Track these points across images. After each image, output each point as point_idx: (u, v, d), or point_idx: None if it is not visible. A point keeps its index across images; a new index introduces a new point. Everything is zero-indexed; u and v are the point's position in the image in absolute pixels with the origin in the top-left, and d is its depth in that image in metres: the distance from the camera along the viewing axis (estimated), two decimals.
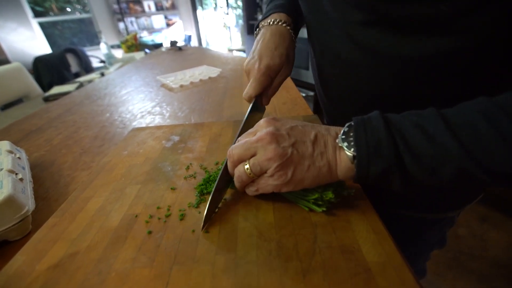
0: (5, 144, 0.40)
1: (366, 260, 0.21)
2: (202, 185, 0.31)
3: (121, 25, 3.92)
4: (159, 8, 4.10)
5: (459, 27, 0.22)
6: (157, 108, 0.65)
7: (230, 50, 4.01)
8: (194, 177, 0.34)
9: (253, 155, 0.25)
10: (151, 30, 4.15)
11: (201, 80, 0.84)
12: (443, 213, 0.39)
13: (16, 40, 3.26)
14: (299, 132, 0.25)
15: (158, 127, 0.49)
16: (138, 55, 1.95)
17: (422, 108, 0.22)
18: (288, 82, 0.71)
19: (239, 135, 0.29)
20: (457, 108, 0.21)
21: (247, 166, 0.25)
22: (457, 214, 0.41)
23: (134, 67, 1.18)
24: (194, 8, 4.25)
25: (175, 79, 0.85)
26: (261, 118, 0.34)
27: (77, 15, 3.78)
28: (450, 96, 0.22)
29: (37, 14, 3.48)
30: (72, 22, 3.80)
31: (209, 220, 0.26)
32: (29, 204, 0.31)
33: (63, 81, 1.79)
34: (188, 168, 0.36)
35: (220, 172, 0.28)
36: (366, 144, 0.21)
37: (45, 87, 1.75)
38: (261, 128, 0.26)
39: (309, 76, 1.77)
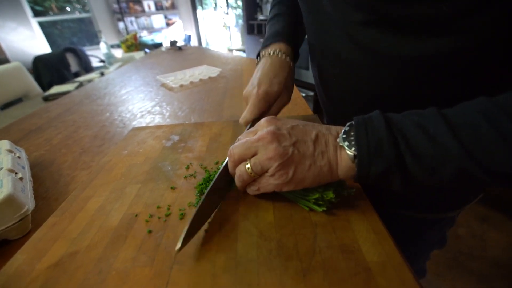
0: (5, 143, 0.40)
1: (366, 259, 0.21)
2: (202, 184, 0.31)
3: (121, 24, 3.92)
4: (159, 7, 4.10)
5: (459, 27, 0.22)
6: (157, 108, 0.65)
7: (230, 50, 4.01)
8: (194, 177, 0.34)
9: (254, 155, 0.25)
10: (151, 29, 4.15)
11: (201, 80, 0.84)
12: (443, 213, 0.39)
13: (16, 39, 3.26)
14: (300, 131, 0.25)
15: (158, 127, 0.49)
16: (138, 54, 1.95)
17: (422, 108, 0.22)
18: None
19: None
20: (457, 108, 0.21)
21: (248, 166, 0.25)
22: (457, 214, 0.41)
23: (134, 67, 1.18)
24: (194, 8, 4.25)
25: (175, 78, 0.85)
26: None
27: (77, 15, 3.78)
28: (450, 96, 0.22)
29: (36, 14, 3.48)
30: (71, 21, 3.80)
31: (189, 240, 0.23)
32: (29, 203, 0.31)
33: (62, 80, 1.79)
34: (188, 167, 0.36)
35: (218, 172, 0.28)
36: (367, 143, 0.21)
37: (45, 86, 1.75)
38: (262, 127, 0.26)
39: (309, 76, 1.78)
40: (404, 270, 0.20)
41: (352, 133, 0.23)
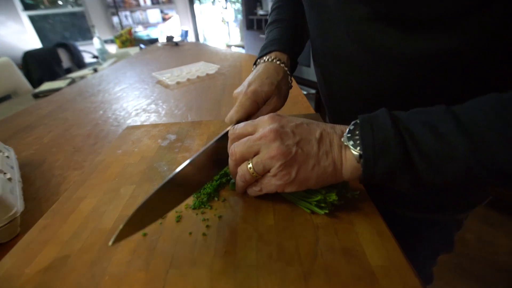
0: None
1: (369, 263, 0.21)
2: None
3: (115, 19, 3.92)
4: (155, 1, 4.10)
5: (465, 25, 0.22)
6: (153, 106, 0.65)
7: (229, 46, 4.02)
8: None
9: (256, 153, 0.25)
10: (146, 24, 4.14)
11: (198, 77, 0.84)
12: (450, 215, 0.39)
13: (5, 34, 3.25)
14: (304, 130, 0.25)
15: (153, 125, 0.49)
16: (133, 50, 1.95)
17: (426, 107, 0.22)
18: None
19: (202, 156, 0.27)
20: (467, 105, 0.21)
21: (250, 165, 0.25)
22: (465, 217, 0.41)
23: (129, 63, 1.18)
24: (191, 2, 4.25)
25: (171, 75, 0.85)
26: None
27: (69, 8, 3.78)
28: (455, 95, 0.22)
29: (27, 7, 3.47)
30: (63, 15, 3.79)
31: (126, 236, 0.20)
32: (18, 205, 0.31)
33: (54, 77, 1.78)
34: None
35: (167, 178, 0.24)
36: (373, 142, 0.21)
37: (35, 83, 1.75)
38: (264, 124, 0.26)
39: (310, 73, 1.78)
40: (409, 274, 0.20)
41: (357, 132, 0.23)
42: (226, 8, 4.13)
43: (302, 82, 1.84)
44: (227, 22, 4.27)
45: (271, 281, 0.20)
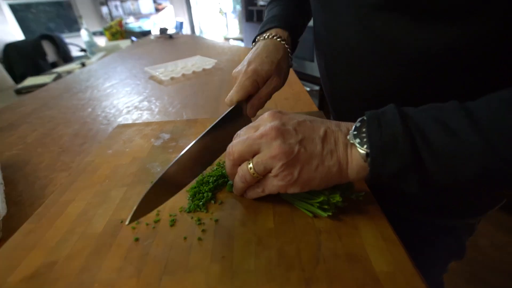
0: None
1: (374, 269, 0.21)
2: (195, 187, 0.31)
3: (104, 9, 3.91)
4: None
5: (481, 14, 0.22)
6: (145, 103, 0.65)
7: (227, 39, 4.02)
8: None
9: (256, 153, 0.25)
10: (138, 15, 4.14)
11: (194, 72, 0.84)
12: (461, 219, 0.40)
13: None
14: (307, 127, 0.25)
15: (146, 124, 0.50)
16: (124, 43, 1.95)
17: (437, 102, 0.22)
18: (291, 75, 0.72)
19: (205, 138, 0.29)
20: (481, 101, 0.21)
21: (250, 165, 0.25)
22: (477, 221, 0.41)
23: (119, 57, 1.18)
24: None
25: (165, 70, 0.85)
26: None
27: None
28: (468, 91, 0.23)
29: None
30: (48, 5, 3.78)
31: (141, 216, 0.25)
32: (0, 209, 0.32)
33: (38, 71, 1.78)
34: None
35: (176, 159, 0.27)
36: (380, 140, 0.21)
37: (18, 78, 1.75)
38: (265, 121, 0.26)
39: (314, 68, 1.78)
40: (416, 281, 0.21)
41: (364, 129, 0.23)
42: None
43: (305, 78, 1.84)
44: (225, 13, 4.27)
45: None
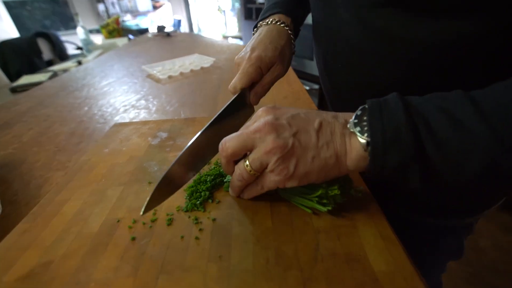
0: None
1: (373, 269, 0.22)
2: (193, 186, 0.32)
3: (101, 6, 3.90)
4: None
5: (483, 8, 0.22)
6: (143, 102, 0.65)
7: (225, 37, 4.02)
8: None
9: (250, 148, 0.25)
10: (135, 13, 4.13)
11: (192, 71, 0.84)
12: (460, 219, 0.40)
13: None
14: (301, 120, 0.25)
15: (143, 123, 0.50)
16: (121, 41, 1.95)
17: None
18: (290, 74, 0.72)
19: (210, 128, 0.30)
20: (488, 90, 0.20)
21: (247, 163, 0.25)
22: (476, 220, 0.41)
23: (116, 55, 1.18)
24: None
25: (162, 69, 0.85)
26: (245, 119, 0.34)
27: None
28: (470, 87, 0.22)
29: None
30: (43, 2, 3.76)
31: (154, 206, 0.27)
32: None
33: (33, 69, 1.77)
34: None
35: (184, 149, 0.28)
36: (382, 129, 0.21)
37: (13, 76, 1.74)
38: (259, 117, 0.26)
39: (313, 67, 1.79)
40: (415, 280, 0.21)
41: (365, 118, 0.22)
42: None
43: (305, 76, 1.85)
44: (224, 11, 4.26)
45: None
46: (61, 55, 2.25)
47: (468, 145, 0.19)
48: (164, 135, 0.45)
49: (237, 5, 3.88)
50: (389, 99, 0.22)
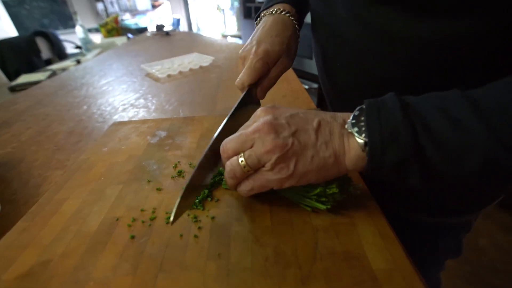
0: None
1: (371, 267, 0.22)
2: None
3: (100, 5, 3.89)
4: None
5: (482, 6, 0.22)
6: (142, 100, 0.65)
7: (224, 36, 4.01)
8: (183, 177, 0.34)
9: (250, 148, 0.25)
10: (134, 12, 4.12)
11: (191, 70, 0.84)
12: (458, 216, 0.40)
13: None
14: (300, 119, 0.25)
15: (142, 121, 0.50)
16: (120, 40, 1.94)
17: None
18: (289, 73, 0.72)
19: (222, 130, 0.30)
20: (485, 89, 0.21)
21: (241, 159, 0.25)
22: (474, 218, 0.42)
23: (115, 54, 1.18)
24: None
25: (161, 68, 0.85)
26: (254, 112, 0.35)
27: None
28: (470, 85, 0.23)
29: None
30: (42, 0, 3.75)
31: (182, 213, 0.25)
32: None
33: (32, 68, 1.77)
34: (176, 166, 0.36)
35: (203, 153, 0.27)
36: (380, 129, 0.21)
37: (11, 75, 1.73)
38: (258, 117, 0.26)
39: (312, 66, 1.79)
40: (413, 279, 0.21)
41: (363, 118, 0.22)
42: None
43: (304, 75, 1.84)
44: (223, 10, 4.25)
45: (267, 286, 0.21)
46: (60, 54, 2.25)
47: (466, 144, 0.19)
48: (163, 134, 0.45)
49: (236, 4, 3.87)
50: (387, 98, 0.22)
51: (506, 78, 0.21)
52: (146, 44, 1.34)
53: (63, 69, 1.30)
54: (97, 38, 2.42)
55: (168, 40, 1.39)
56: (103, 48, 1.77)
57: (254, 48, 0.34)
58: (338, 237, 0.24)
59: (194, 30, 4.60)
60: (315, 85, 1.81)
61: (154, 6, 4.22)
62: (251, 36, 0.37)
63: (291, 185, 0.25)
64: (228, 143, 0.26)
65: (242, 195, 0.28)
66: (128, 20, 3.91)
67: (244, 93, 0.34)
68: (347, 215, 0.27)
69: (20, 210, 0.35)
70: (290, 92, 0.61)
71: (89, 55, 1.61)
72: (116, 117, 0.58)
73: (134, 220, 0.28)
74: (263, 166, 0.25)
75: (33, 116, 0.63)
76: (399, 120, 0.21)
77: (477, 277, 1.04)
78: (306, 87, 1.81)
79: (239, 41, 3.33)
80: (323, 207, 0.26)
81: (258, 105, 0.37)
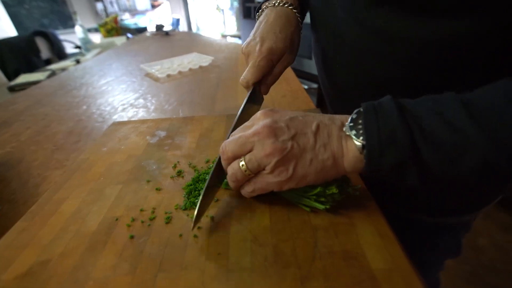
0: None
1: (370, 266, 0.22)
2: (191, 185, 0.32)
3: (99, 5, 3.89)
4: None
5: (480, 6, 0.22)
6: (141, 100, 0.65)
7: (224, 36, 4.01)
8: (182, 177, 0.34)
9: (249, 151, 0.25)
10: (134, 12, 4.12)
11: (190, 70, 0.84)
12: (457, 216, 0.40)
13: None
14: (299, 122, 0.25)
15: (142, 121, 0.50)
16: (119, 40, 1.94)
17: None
18: (289, 73, 0.72)
19: (234, 128, 0.30)
20: (478, 92, 0.21)
21: (242, 163, 0.25)
22: (473, 218, 0.42)
23: (115, 54, 1.18)
24: None
25: (161, 68, 0.85)
26: (258, 110, 0.35)
27: None
28: (469, 86, 0.23)
29: None
30: (41, 0, 3.75)
31: (199, 221, 0.27)
32: None
33: (31, 68, 1.77)
34: (175, 166, 0.36)
35: (213, 167, 0.28)
36: (377, 132, 0.21)
37: (10, 75, 1.73)
38: (258, 120, 0.26)
39: (312, 66, 1.79)
40: (412, 278, 0.21)
41: (360, 121, 0.23)
42: None
43: (303, 75, 1.84)
44: (222, 10, 4.25)
45: (266, 285, 0.21)
46: (60, 54, 2.24)
47: (461, 146, 0.20)
48: (162, 133, 0.45)
49: (236, 4, 3.87)
50: (384, 102, 0.23)
51: (499, 81, 0.21)
52: (145, 44, 1.34)
53: (63, 69, 1.29)
54: (96, 38, 2.42)
55: (168, 40, 1.39)
56: (103, 48, 1.77)
57: (258, 46, 0.34)
58: (337, 236, 0.25)
59: (194, 30, 4.60)
60: (315, 85, 1.81)
61: (153, 6, 4.22)
62: (253, 30, 0.36)
63: (290, 187, 0.25)
64: (228, 145, 0.26)
65: (245, 196, 0.28)
66: (128, 20, 3.90)
67: (250, 91, 0.34)
68: (346, 214, 0.27)
69: (19, 210, 0.35)
70: (290, 92, 0.61)
71: (89, 55, 1.61)
72: (116, 117, 0.58)
73: (133, 220, 0.28)
74: (264, 169, 0.25)
75: (32, 116, 0.63)
76: (396, 123, 0.21)
77: (477, 277, 1.04)
78: (306, 87, 1.81)
79: (239, 41, 3.33)
80: (322, 207, 0.26)
81: (260, 101, 0.37)
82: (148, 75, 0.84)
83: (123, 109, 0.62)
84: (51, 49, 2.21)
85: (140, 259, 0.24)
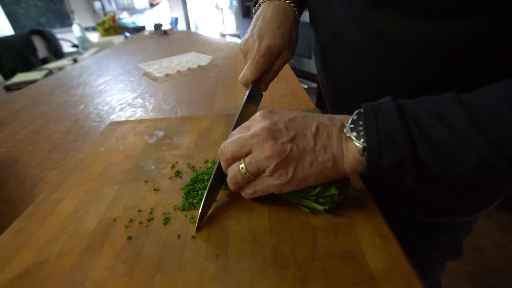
0: None
1: (370, 267, 0.22)
2: (189, 185, 0.32)
3: (97, 4, 3.88)
4: None
5: (478, 7, 0.23)
6: (139, 100, 0.65)
7: (223, 35, 4.01)
8: (181, 177, 0.34)
9: (248, 153, 0.25)
10: (132, 10, 4.11)
11: (189, 69, 0.84)
12: (458, 217, 0.40)
13: None
14: (298, 124, 0.25)
15: (140, 121, 0.50)
16: (117, 39, 1.94)
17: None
18: (288, 72, 0.72)
19: (234, 127, 0.30)
20: (477, 93, 0.21)
21: (242, 166, 0.25)
22: (474, 219, 0.42)
23: (113, 53, 1.17)
24: None
25: (159, 67, 0.85)
26: (257, 108, 0.35)
27: None
28: (467, 86, 0.23)
29: None
30: None
31: (202, 222, 0.27)
32: None
33: (28, 67, 1.76)
34: (173, 166, 0.36)
35: (214, 169, 0.29)
36: (377, 133, 0.22)
37: (7, 74, 1.73)
38: (256, 122, 0.26)
39: (311, 65, 1.79)
40: (412, 278, 0.21)
41: (361, 123, 0.23)
42: None
43: (303, 75, 1.85)
44: (221, 9, 4.25)
45: (265, 286, 0.21)
46: (57, 53, 2.24)
47: (460, 147, 0.20)
48: (160, 133, 0.45)
49: (235, 3, 3.87)
50: (383, 103, 0.23)
51: (500, 82, 0.21)
52: (144, 43, 1.34)
53: (60, 68, 1.29)
54: (94, 36, 2.42)
55: (166, 39, 1.39)
56: (101, 47, 1.76)
57: (256, 44, 0.34)
58: (337, 237, 0.25)
59: (193, 29, 4.60)
60: (314, 85, 1.81)
61: (152, 5, 4.22)
62: (251, 27, 0.36)
63: (290, 190, 0.25)
64: (227, 146, 0.26)
65: (246, 198, 0.28)
66: (126, 18, 3.90)
67: (249, 89, 0.35)
68: (345, 215, 0.27)
69: (16, 210, 0.35)
70: (289, 91, 0.61)
71: (86, 54, 1.61)
72: (113, 117, 0.58)
73: (131, 220, 0.28)
74: (263, 172, 0.25)
75: (29, 115, 0.63)
76: (395, 124, 0.21)
77: (478, 278, 1.04)
78: (305, 86, 1.82)
79: (238, 40, 3.32)
80: (321, 208, 0.26)
81: (259, 98, 0.37)
82: (146, 74, 0.84)
83: (121, 109, 0.62)
84: (48, 48, 2.20)
85: (138, 260, 0.24)
